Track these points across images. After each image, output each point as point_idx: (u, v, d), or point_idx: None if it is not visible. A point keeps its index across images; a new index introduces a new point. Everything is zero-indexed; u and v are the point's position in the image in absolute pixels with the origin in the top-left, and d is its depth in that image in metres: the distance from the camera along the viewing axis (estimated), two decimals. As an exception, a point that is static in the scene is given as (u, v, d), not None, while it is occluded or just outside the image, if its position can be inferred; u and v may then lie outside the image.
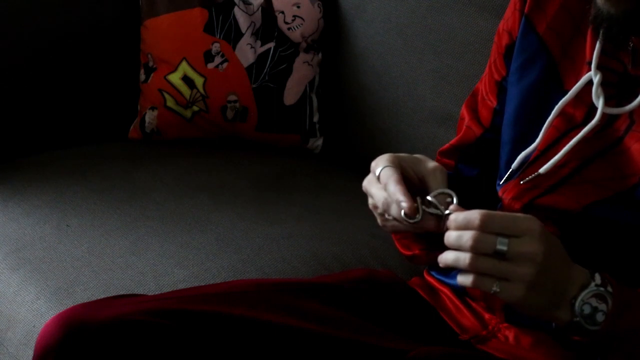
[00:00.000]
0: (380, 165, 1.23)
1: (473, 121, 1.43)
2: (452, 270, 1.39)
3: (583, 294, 1.14)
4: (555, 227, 1.25)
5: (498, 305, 1.32)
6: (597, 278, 1.15)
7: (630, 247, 1.24)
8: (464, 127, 1.44)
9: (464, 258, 1.11)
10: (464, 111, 1.45)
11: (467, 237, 1.10)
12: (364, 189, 1.26)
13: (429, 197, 1.19)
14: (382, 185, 1.22)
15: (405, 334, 1.34)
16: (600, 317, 1.14)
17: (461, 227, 1.12)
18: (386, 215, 1.23)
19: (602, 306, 1.14)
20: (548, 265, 1.11)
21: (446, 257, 1.13)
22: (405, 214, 1.18)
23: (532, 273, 1.10)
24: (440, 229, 1.17)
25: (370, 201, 1.26)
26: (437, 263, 1.42)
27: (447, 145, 1.46)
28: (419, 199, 1.19)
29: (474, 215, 1.11)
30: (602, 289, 1.14)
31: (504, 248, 1.10)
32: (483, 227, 1.10)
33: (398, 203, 1.18)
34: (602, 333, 1.15)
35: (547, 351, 1.29)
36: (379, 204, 1.22)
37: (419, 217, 1.18)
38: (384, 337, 1.31)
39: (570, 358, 1.28)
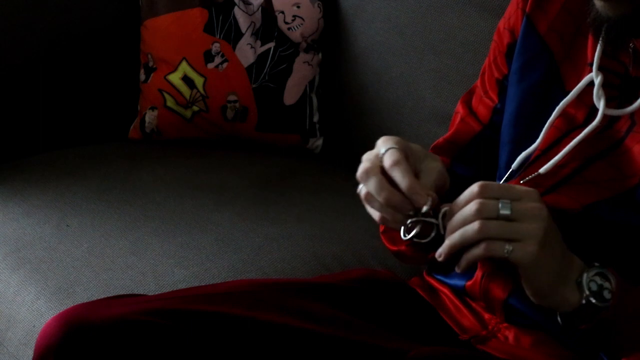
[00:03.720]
0: (388, 145, 1.19)
1: (470, 117, 1.43)
2: (451, 271, 1.39)
3: (586, 273, 1.15)
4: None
5: (498, 305, 1.32)
6: (597, 264, 1.17)
7: (630, 247, 1.24)
8: (459, 121, 1.44)
9: (472, 227, 1.11)
10: (459, 106, 1.45)
11: (471, 205, 1.11)
12: (362, 159, 1.21)
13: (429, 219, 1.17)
14: (385, 165, 1.17)
15: (405, 334, 1.34)
16: (607, 294, 1.15)
17: (463, 205, 1.12)
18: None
19: (607, 284, 1.15)
20: (551, 224, 1.13)
21: (452, 239, 1.12)
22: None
23: (541, 227, 1.11)
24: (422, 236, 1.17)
25: (364, 167, 1.20)
26: (428, 262, 1.42)
27: (441, 139, 1.44)
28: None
29: (472, 186, 1.12)
30: (604, 270, 1.16)
31: (507, 209, 1.11)
32: (483, 194, 1.11)
33: (412, 197, 1.15)
34: (611, 312, 1.15)
35: (547, 351, 1.29)
36: (370, 188, 1.17)
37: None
38: (384, 337, 1.31)
39: (570, 358, 1.28)
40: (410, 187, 1.15)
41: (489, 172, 1.40)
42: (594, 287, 1.15)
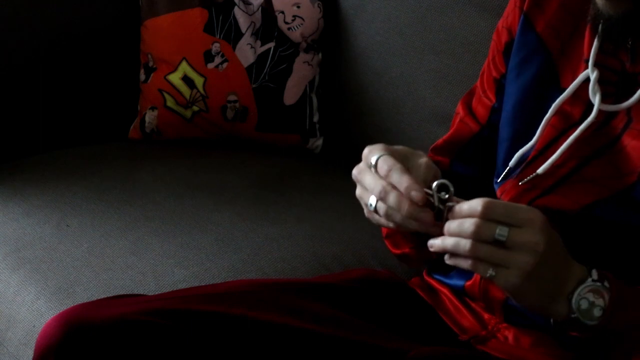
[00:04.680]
0: (376, 154, 1.20)
1: (469, 117, 1.43)
2: (451, 271, 1.39)
3: (580, 288, 1.14)
4: (556, 228, 1.25)
5: (497, 306, 1.32)
6: (594, 274, 1.15)
7: (629, 247, 1.24)
8: (458, 121, 1.44)
9: (465, 244, 1.12)
10: (459, 107, 1.45)
11: (469, 223, 1.11)
12: (354, 177, 1.23)
13: (427, 190, 1.18)
14: (380, 173, 1.19)
15: (405, 334, 1.34)
16: (597, 312, 1.14)
17: (465, 216, 1.13)
18: (377, 205, 1.20)
19: (600, 301, 1.14)
20: (549, 257, 1.12)
21: (445, 242, 1.14)
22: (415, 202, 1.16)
23: (531, 262, 1.11)
24: (433, 224, 1.17)
25: (358, 191, 1.23)
26: (429, 263, 1.42)
27: (440, 140, 1.44)
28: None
29: (477, 202, 1.12)
30: (598, 284, 1.14)
31: (504, 236, 1.11)
32: (485, 215, 1.11)
33: (408, 192, 1.16)
34: (599, 328, 1.15)
35: (546, 351, 1.29)
36: (375, 192, 1.19)
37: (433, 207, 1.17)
38: (384, 337, 1.31)
39: (570, 358, 1.28)
40: (408, 187, 1.16)
41: (488, 171, 1.40)
42: (584, 305, 1.14)
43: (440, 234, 1.16)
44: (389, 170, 1.18)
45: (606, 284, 1.15)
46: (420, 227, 1.18)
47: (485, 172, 1.41)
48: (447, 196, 1.15)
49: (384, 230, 1.40)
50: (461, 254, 1.13)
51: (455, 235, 1.13)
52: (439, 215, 1.16)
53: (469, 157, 1.42)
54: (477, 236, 1.11)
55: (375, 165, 1.19)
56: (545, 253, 1.11)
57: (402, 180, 1.16)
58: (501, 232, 1.11)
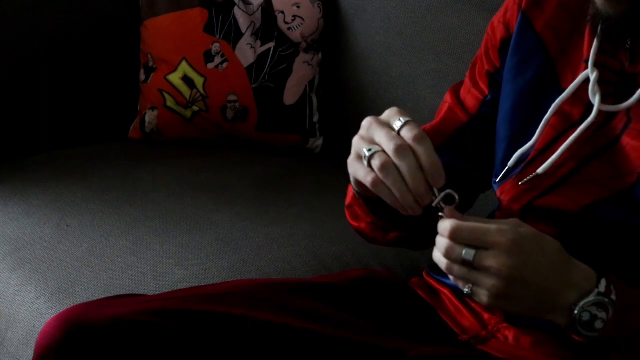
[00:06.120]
0: (405, 118, 1.15)
1: (458, 106, 1.42)
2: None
3: (583, 302, 1.13)
4: (556, 228, 1.25)
5: (497, 306, 1.32)
6: (602, 285, 1.14)
7: (630, 247, 1.24)
8: (447, 110, 1.43)
9: (442, 261, 1.14)
10: (448, 95, 1.44)
11: (442, 244, 1.13)
12: (364, 124, 1.19)
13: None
14: (404, 134, 1.14)
15: (405, 334, 1.34)
16: (599, 324, 1.13)
17: (440, 233, 1.14)
18: (375, 154, 1.15)
19: (602, 314, 1.13)
20: (521, 278, 1.11)
21: (433, 255, 1.15)
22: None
23: (497, 286, 1.11)
24: (420, 211, 1.16)
25: (357, 138, 1.18)
26: (385, 244, 1.41)
27: (427, 126, 1.42)
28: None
29: (447, 225, 1.12)
30: (605, 299, 1.13)
31: (470, 259, 1.11)
32: (452, 239, 1.12)
33: (434, 172, 1.12)
34: (599, 338, 1.14)
35: (546, 351, 1.29)
36: (390, 147, 1.13)
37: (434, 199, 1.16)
38: (383, 337, 1.31)
39: (570, 358, 1.28)
40: (435, 164, 1.13)
41: (478, 164, 1.40)
42: (586, 317, 1.13)
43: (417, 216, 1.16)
44: (419, 138, 1.13)
45: (612, 296, 1.13)
46: (407, 201, 1.15)
47: (477, 165, 1.40)
48: (444, 206, 1.15)
49: (348, 199, 1.38)
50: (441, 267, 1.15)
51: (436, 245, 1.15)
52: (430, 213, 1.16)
53: (455, 148, 1.41)
54: (447, 257, 1.13)
55: (402, 127, 1.15)
56: (512, 276, 1.10)
57: (432, 157, 1.13)
58: (467, 255, 1.12)
